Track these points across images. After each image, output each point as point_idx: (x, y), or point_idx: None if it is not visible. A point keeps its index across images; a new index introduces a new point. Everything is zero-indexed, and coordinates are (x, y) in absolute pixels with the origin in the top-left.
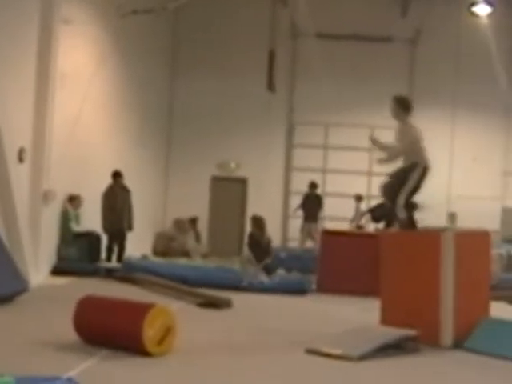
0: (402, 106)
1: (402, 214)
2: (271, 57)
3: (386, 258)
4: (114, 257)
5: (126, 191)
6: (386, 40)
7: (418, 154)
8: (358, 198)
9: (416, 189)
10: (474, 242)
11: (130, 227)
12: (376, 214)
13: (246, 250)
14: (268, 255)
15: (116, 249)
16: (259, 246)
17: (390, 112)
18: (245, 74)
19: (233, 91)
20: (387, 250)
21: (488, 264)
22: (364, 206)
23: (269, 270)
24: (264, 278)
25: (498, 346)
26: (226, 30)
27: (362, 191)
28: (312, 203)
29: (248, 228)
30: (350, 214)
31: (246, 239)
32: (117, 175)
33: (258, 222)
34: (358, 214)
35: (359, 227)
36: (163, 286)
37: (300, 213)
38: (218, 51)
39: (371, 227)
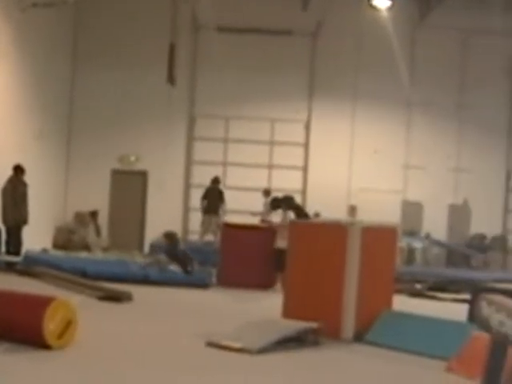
0: None
1: None
2: (171, 50)
3: (291, 250)
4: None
5: (23, 185)
6: (288, 33)
7: None
8: (266, 193)
9: None
10: (380, 237)
11: (25, 221)
12: (278, 203)
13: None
14: (189, 262)
15: (13, 242)
16: (177, 258)
17: None
18: (146, 67)
19: (133, 83)
20: (293, 242)
21: (393, 258)
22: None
23: (188, 273)
24: (171, 271)
25: (398, 339)
26: (127, 22)
27: (263, 184)
28: (214, 197)
29: (149, 222)
30: (251, 207)
31: (146, 233)
32: (18, 169)
33: (171, 237)
34: (266, 209)
35: (265, 222)
36: (64, 280)
37: (200, 205)
38: (118, 43)
39: (276, 221)
